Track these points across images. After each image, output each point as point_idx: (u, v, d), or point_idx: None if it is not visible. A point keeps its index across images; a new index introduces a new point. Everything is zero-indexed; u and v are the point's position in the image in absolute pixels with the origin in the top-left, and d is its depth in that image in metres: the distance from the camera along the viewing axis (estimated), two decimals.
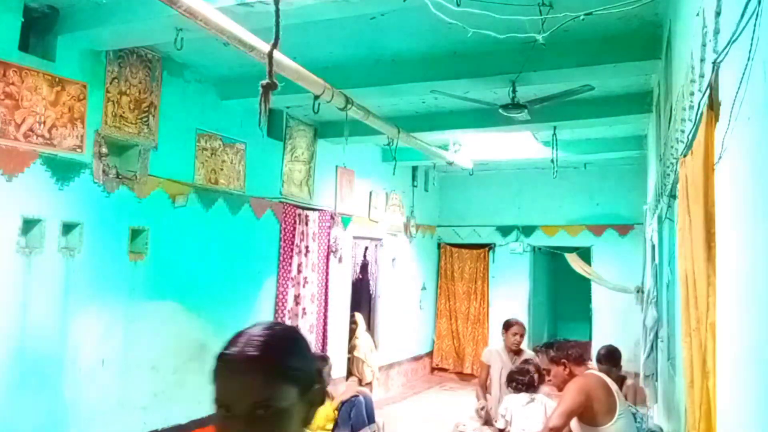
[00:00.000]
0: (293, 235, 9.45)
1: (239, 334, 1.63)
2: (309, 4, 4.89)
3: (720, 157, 2.00)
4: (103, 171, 6.53)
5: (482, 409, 7.62)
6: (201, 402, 7.62)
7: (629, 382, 7.88)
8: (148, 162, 7.10)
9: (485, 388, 7.81)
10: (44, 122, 5.88)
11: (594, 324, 13.33)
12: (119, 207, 6.74)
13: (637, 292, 10.99)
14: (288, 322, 9.25)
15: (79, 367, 6.29)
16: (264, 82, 4.18)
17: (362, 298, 12.21)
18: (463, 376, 14.16)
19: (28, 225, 5.83)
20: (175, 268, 7.49)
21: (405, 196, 13.43)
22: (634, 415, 5.13)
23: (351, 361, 11.19)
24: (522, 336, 7.80)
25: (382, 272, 12.57)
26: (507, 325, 7.90)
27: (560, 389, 5.37)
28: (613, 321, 12.64)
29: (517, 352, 7.74)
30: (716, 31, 2.14)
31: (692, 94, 2.87)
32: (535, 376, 6.63)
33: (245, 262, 8.64)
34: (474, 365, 13.65)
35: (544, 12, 4.77)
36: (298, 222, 9.52)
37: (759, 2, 1.45)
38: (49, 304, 6.00)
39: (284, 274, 9.28)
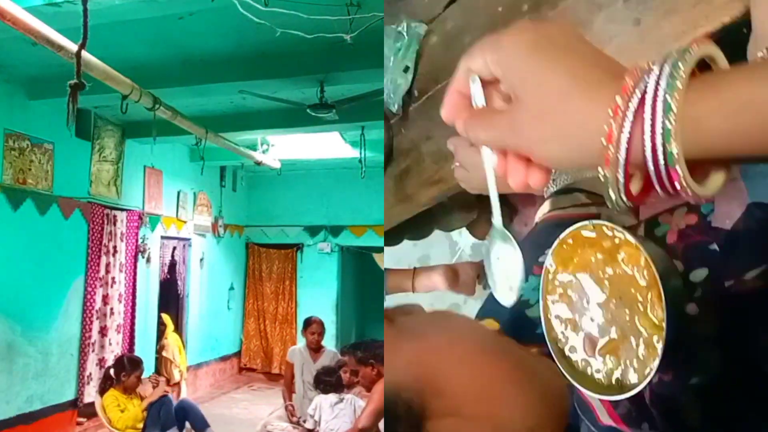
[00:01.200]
0: (101, 236, 9.31)
1: None
2: (117, 4, 4.86)
3: None
4: None
5: (287, 408, 7.76)
6: (9, 402, 7.46)
7: None
8: None
9: (291, 387, 8.00)
10: None
11: None
12: None
13: None
14: (96, 323, 9.19)
15: None
16: (72, 82, 4.24)
17: (170, 298, 12.12)
18: (271, 377, 14.11)
19: None
20: None
21: (213, 196, 13.37)
22: None
23: (159, 361, 11.13)
24: (320, 334, 8.07)
25: (190, 272, 12.56)
26: (306, 324, 8.21)
27: (369, 389, 5.59)
28: None
29: (317, 349, 8.01)
30: None
31: None
32: (342, 375, 6.68)
33: (53, 262, 8.46)
34: (282, 365, 13.61)
35: (352, 12, 4.90)
36: (106, 222, 9.39)
37: None
38: None
39: (92, 275, 9.15)
